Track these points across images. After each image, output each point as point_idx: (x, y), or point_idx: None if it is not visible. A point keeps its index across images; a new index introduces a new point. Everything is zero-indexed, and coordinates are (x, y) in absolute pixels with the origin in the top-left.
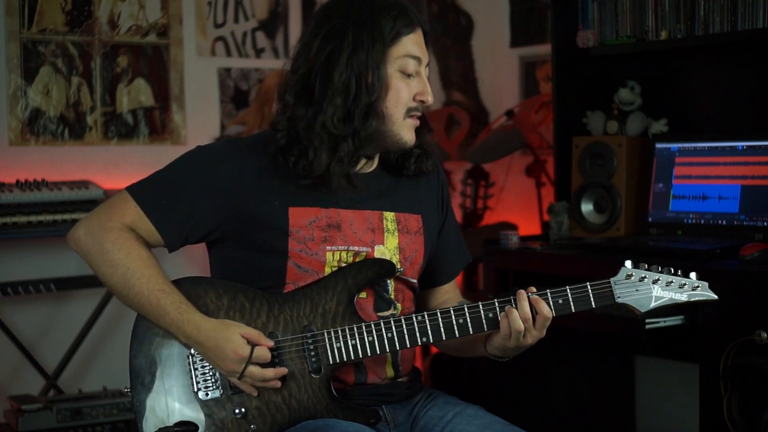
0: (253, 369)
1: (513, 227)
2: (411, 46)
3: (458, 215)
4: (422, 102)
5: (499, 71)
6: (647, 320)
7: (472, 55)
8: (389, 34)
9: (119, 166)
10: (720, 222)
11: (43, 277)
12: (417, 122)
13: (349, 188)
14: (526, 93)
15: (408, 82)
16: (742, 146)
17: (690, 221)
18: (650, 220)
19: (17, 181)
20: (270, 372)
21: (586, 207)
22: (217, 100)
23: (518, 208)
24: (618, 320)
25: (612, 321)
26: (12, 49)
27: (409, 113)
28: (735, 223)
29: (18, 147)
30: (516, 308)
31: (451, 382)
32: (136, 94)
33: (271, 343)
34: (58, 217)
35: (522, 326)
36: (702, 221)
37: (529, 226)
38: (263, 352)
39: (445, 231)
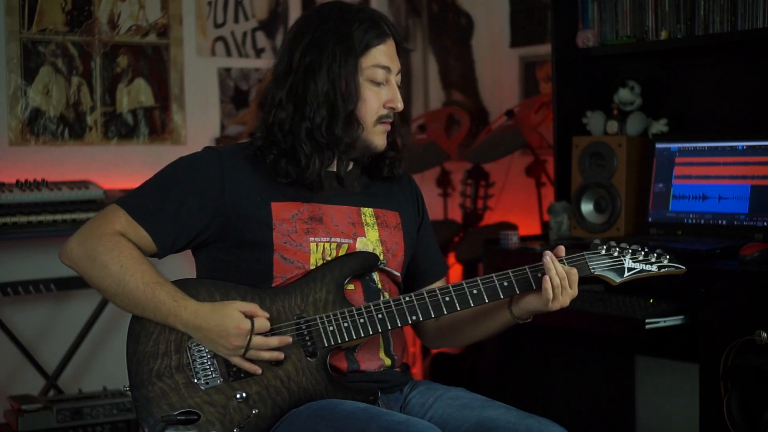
0: (258, 340)
1: (513, 227)
2: (380, 56)
3: (458, 215)
4: (392, 109)
5: (499, 71)
6: (647, 320)
7: (472, 55)
8: (359, 45)
9: (119, 166)
10: (720, 222)
11: (43, 277)
12: (388, 127)
13: (339, 188)
14: (526, 93)
15: (377, 90)
16: (742, 146)
17: (690, 221)
18: (650, 220)
19: (17, 181)
20: (274, 340)
21: (586, 207)
22: (217, 100)
23: (518, 208)
24: (618, 320)
25: (612, 321)
26: (12, 49)
27: (380, 120)
28: (735, 223)
29: (18, 147)
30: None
31: (452, 382)
32: (136, 94)
33: (267, 314)
34: (58, 217)
35: (558, 281)
36: (702, 221)
37: (529, 226)
38: (263, 322)
39: (423, 235)
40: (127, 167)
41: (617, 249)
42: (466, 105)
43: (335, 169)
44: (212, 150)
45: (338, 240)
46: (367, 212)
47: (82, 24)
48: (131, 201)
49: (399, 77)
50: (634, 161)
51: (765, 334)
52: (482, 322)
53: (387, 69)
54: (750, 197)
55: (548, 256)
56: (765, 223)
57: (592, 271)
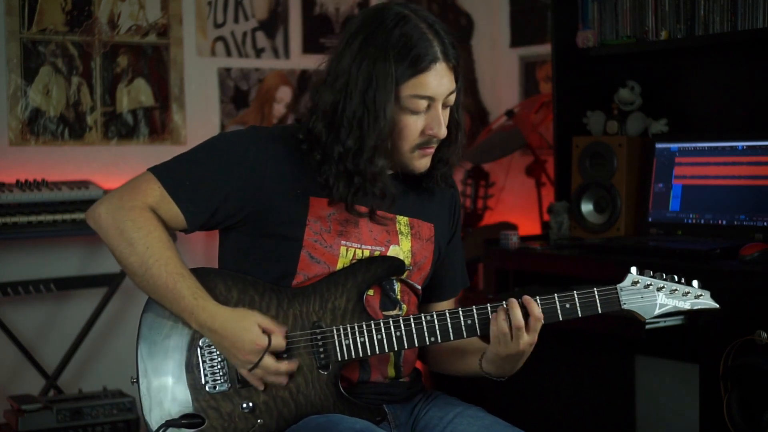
0: (268, 360)
1: (513, 227)
2: (422, 86)
3: None
4: (432, 136)
5: (499, 71)
6: (647, 320)
7: (472, 55)
8: (403, 72)
9: (119, 166)
10: (720, 222)
11: (43, 277)
12: (429, 153)
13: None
14: (526, 93)
15: (417, 118)
16: (742, 146)
17: (690, 221)
18: (650, 220)
19: (17, 181)
20: (284, 365)
21: (586, 207)
22: (217, 100)
23: (518, 208)
24: (618, 320)
25: (612, 321)
26: (12, 49)
27: (418, 147)
28: (735, 223)
29: (18, 147)
30: (507, 312)
31: (452, 383)
32: (136, 94)
33: (286, 328)
34: (58, 217)
35: (506, 328)
36: (702, 221)
37: (529, 226)
38: (279, 342)
39: (452, 248)
40: (127, 167)
41: (652, 284)
42: (466, 105)
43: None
44: (258, 131)
45: (370, 248)
46: (402, 221)
47: (82, 24)
48: (167, 173)
49: (452, 97)
50: (634, 161)
51: (765, 334)
52: (454, 361)
53: (429, 98)
54: (752, 197)
55: (513, 302)
56: (765, 223)
57: (623, 305)
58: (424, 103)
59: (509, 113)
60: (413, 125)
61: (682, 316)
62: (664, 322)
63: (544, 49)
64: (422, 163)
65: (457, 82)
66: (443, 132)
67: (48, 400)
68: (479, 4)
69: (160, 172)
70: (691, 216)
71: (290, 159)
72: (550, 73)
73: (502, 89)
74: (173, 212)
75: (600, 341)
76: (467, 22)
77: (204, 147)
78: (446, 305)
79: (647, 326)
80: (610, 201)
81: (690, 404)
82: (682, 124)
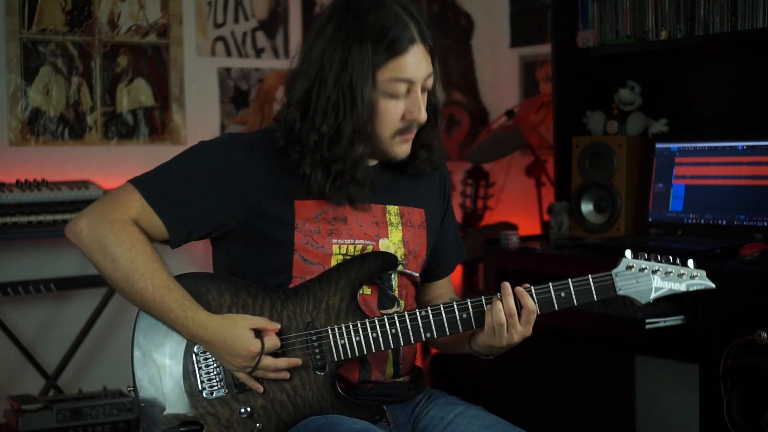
0: (266, 361)
1: (513, 227)
2: (400, 69)
3: (458, 215)
4: (412, 121)
5: (499, 71)
6: (647, 320)
7: (472, 55)
8: (380, 55)
9: (119, 166)
10: (720, 222)
11: (43, 277)
12: (409, 138)
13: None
14: (526, 93)
15: (396, 103)
16: (742, 146)
17: (690, 221)
18: (650, 220)
19: (17, 181)
20: (283, 362)
21: (586, 207)
22: (217, 100)
23: (518, 208)
24: (618, 320)
25: (612, 321)
26: (12, 49)
27: (399, 133)
28: (735, 223)
29: (18, 147)
30: (501, 302)
31: (452, 382)
32: (136, 94)
33: (278, 326)
34: (58, 217)
35: (504, 319)
36: (702, 221)
37: (529, 226)
38: (273, 341)
39: (444, 225)
40: (127, 167)
41: (647, 267)
42: (466, 105)
43: (352, 189)
44: (237, 138)
45: (362, 242)
46: (393, 210)
47: (82, 24)
48: (148, 185)
49: (430, 80)
50: (634, 161)
51: (765, 334)
52: (448, 341)
53: (408, 81)
54: (752, 197)
55: (507, 288)
56: (765, 223)
57: (618, 291)
58: (403, 87)
59: (509, 113)
60: (393, 110)
61: (682, 316)
62: (664, 322)
63: (544, 49)
64: (403, 149)
65: (433, 64)
66: (423, 116)
67: (48, 400)
68: (479, 4)
69: (140, 183)
70: (691, 216)
71: (271, 164)
72: (550, 73)
73: (502, 89)
74: (155, 224)
75: (600, 341)
76: (467, 22)
77: (184, 157)
78: (443, 283)
79: (647, 326)
80: (610, 201)
81: (690, 404)
82: (682, 124)
